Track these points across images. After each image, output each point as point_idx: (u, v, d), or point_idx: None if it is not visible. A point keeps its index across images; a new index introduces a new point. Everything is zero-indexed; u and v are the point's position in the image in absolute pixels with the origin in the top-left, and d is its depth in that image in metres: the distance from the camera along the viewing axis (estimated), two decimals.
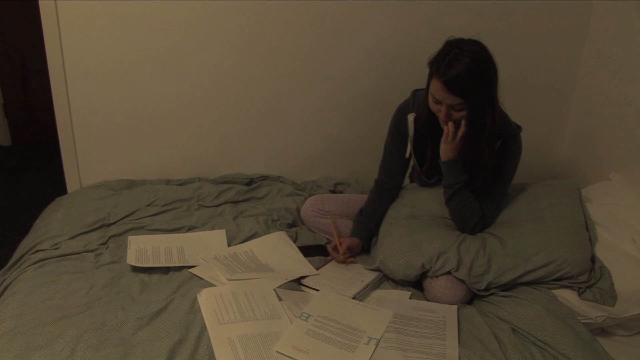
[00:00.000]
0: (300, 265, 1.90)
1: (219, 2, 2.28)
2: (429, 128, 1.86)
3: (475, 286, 1.74)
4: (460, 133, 1.74)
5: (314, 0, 2.33)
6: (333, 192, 2.48)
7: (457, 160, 1.80)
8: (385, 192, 2.06)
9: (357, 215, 2.08)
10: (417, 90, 1.96)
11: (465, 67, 1.62)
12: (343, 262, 1.94)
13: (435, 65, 1.68)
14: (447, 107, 1.69)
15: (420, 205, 1.99)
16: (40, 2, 2.18)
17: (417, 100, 1.91)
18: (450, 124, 1.74)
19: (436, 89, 1.67)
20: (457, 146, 1.78)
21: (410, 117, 1.91)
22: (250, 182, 2.52)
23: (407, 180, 2.14)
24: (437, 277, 1.77)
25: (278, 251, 1.97)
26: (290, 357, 1.42)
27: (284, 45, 2.40)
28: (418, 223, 1.92)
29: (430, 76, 1.70)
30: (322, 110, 2.55)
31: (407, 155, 1.96)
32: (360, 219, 2.04)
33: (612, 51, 2.35)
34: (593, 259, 1.79)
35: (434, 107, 1.73)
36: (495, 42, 2.47)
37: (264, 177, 2.56)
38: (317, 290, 1.75)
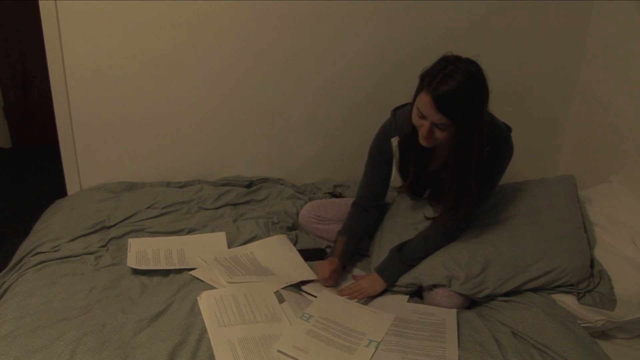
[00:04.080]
0: (301, 269, 1.90)
1: (218, 4, 2.28)
2: (412, 145, 1.77)
3: (474, 296, 1.74)
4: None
5: (313, 1, 2.33)
6: (332, 194, 2.47)
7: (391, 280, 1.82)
8: (364, 212, 1.98)
9: (336, 239, 1.99)
10: (397, 108, 1.88)
11: (458, 87, 1.53)
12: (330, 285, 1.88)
13: (428, 78, 1.57)
14: (431, 124, 1.59)
15: (413, 215, 1.96)
16: (40, 2, 2.18)
17: (399, 122, 1.83)
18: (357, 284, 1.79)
19: (424, 103, 1.57)
20: (375, 282, 1.80)
21: (394, 142, 1.84)
22: (250, 184, 2.52)
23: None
24: (434, 287, 1.77)
25: (279, 254, 1.97)
26: (290, 356, 1.43)
27: (284, 47, 2.40)
28: (408, 236, 1.90)
29: (420, 89, 1.61)
30: (322, 112, 2.55)
31: (392, 179, 1.89)
32: (340, 238, 1.96)
33: (612, 52, 2.35)
34: (592, 263, 1.79)
35: (417, 120, 1.63)
36: (495, 43, 2.50)
37: (264, 180, 2.56)
38: (316, 297, 1.75)
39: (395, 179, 1.91)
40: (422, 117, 1.61)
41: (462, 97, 1.54)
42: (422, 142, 1.67)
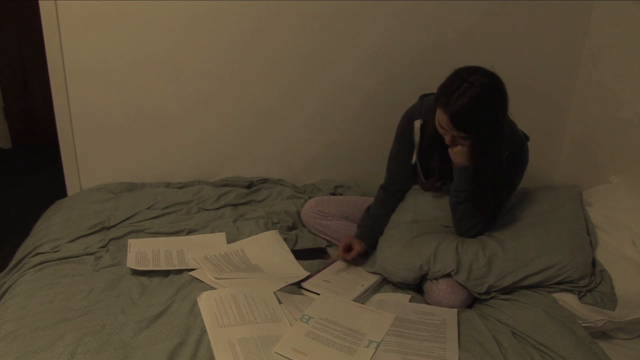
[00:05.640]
0: (290, 265, 1.90)
1: (220, 5, 2.28)
2: (437, 138, 1.81)
3: (476, 290, 1.74)
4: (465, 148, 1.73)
5: (316, 1, 2.33)
6: (333, 194, 2.47)
7: (470, 169, 1.77)
8: (391, 196, 2.05)
9: (362, 218, 2.06)
10: (425, 95, 1.92)
11: (473, 104, 1.59)
12: (347, 260, 1.94)
13: (444, 97, 1.63)
14: (452, 135, 1.69)
15: (422, 210, 1.98)
16: (40, 2, 2.18)
17: (425, 107, 1.88)
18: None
19: (442, 120, 1.65)
20: (468, 154, 1.74)
21: (417, 124, 1.89)
22: (250, 185, 2.52)
23: None
24: (437, 280, 1.77)
25: (269, 251, 1.98)
26: (289, 359, 1.42)
27: (285, 48, 2.40)
28: (418, 228, 1.92)
29: (438, 103, 1.66)
30: (323, 113, 2.55)
31: (413, 162, 1.95)
32: (367, 224, 2.02)
33: (612, 52, 2.35)
34: (593, 263, 1.79)
35: (439, 130, 1.72)
36: (495, 44, 2.49)
37: (264, 180, 2.56)
38: (318, 294, 1.75)
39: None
40: (443, 128, 1.69)
41: (477, 114, 1.61)
42: (449, 143, 1.75)
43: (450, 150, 1.77)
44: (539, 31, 2.50)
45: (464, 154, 1.73)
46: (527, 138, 1.87)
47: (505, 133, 1.71)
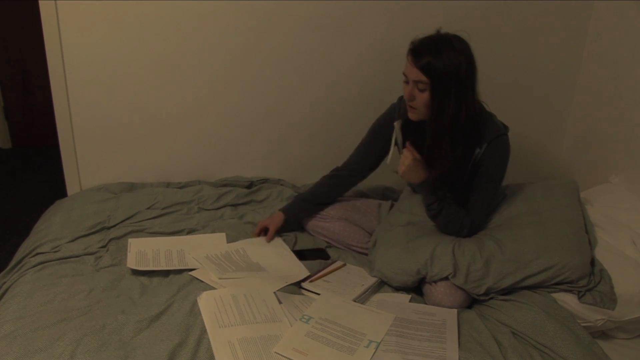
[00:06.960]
0: (291, 264, 1.90)
1: (218, 5, 2.28)
2: (408, 129, 1.88)
3: (474, 291, 1.74)
4: (415, 156, 1.77)
5: (312, 1, 2.33)
6: None
7: (429, 180, 1.82)
8: (348, 178, 2.13)
9: (300, 193, 2.18)
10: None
11: (438, 48, 1.66)
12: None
13: (415, 40, 1.72)
14: (412, 84, 1.72)
15: (418, 211, 1.98)
16: (40, 2, 2.18)
17: (403, 106, 1.90)
18: (406, 151, 1.78)
19: (406, 62, 1.72)
20: (420, 167, 1.79)
21: (397, 125, 1.91)
22: (250, 185, 2.52)
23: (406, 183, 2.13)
24: (435, 282, 1.76)
25: (270, 250, 1.98)
26: (289, 359, 1.42)
27: (284, 47, 2.40)
28: (415, 230, 1.91)
29: (407, 53, 1.74)
30: (323, 113, 2.55)
31: (389, 161, 1.95)
32: (297, 198, 2.14)
33: (612, 52, 2.35)
34: (593, 262, 1.79)
35: (404, 89, 1.76)
36: (494, 43, 2.50)
37: (264, 180, 2.55)
38: (318, 294, 1.75)
39: (394, 160, 1.95)
40: (406, 81, 1.74)
41: (439, 56, 1.66)
42: (409, 114, 1.78)
43: (401, 167, 1.80)
44: (539, 31, 2.50)
45: (414, 169, 1.78)
46: (506, 128, 1.85)
47: (467, 103, 1.71)
